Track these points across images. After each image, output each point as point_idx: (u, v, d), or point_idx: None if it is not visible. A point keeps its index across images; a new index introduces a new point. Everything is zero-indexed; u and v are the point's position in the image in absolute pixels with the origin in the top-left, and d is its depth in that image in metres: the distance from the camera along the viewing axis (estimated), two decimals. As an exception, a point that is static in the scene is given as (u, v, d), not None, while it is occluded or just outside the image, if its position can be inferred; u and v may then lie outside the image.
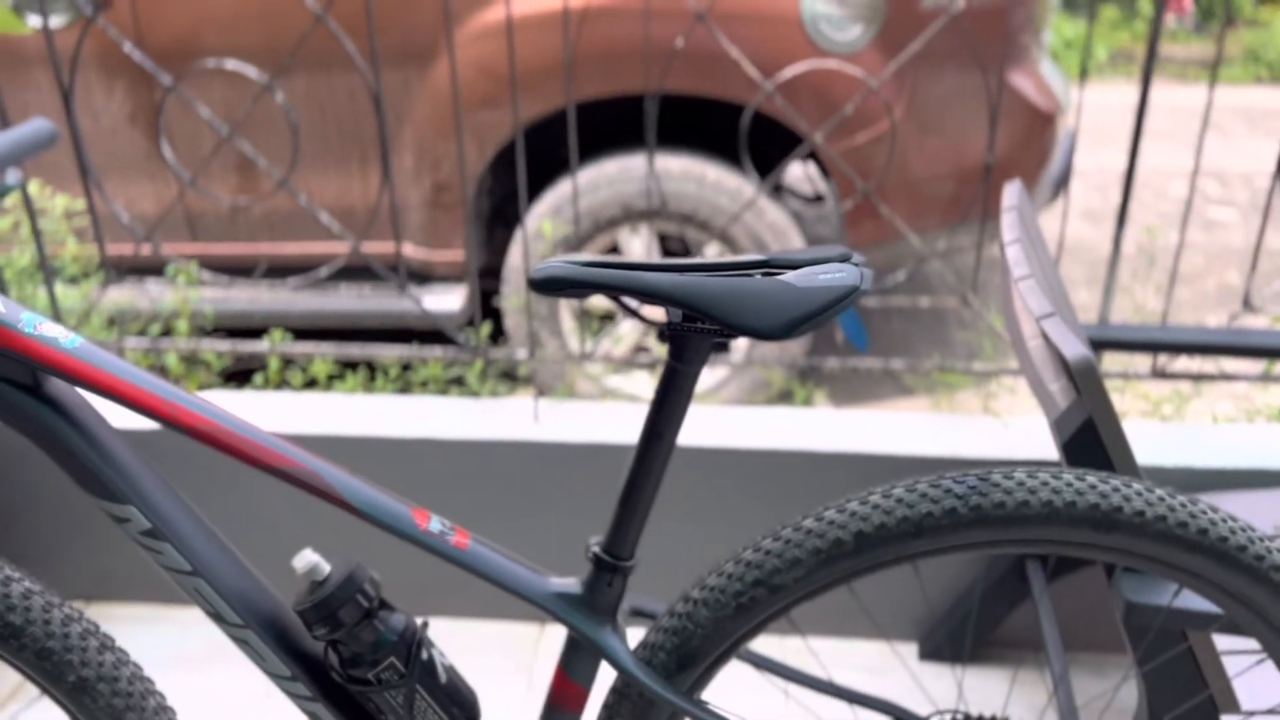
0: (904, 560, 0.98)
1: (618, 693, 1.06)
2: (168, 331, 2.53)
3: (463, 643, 1.98)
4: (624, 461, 1.87)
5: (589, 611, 1.02)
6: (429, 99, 2.82)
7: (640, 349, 3.03)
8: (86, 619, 1.04)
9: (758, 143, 2.86)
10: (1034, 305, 1.21)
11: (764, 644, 1.97)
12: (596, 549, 1.02)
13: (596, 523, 1.90)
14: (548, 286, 0.88)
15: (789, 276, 0.87)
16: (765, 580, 0.98)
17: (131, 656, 1.06)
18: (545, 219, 2.83)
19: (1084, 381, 1.10)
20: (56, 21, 2.71)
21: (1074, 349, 1.10)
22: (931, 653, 1.92)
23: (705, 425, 1.93)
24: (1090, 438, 1.13)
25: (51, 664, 1.00)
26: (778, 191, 3.23)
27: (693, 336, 0.92)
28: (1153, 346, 1.77)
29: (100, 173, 2.92)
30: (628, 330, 2.99)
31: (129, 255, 2.92)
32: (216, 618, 1.01)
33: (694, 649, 1.01)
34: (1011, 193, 1.56)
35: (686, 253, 2.96)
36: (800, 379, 2.81)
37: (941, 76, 2.79)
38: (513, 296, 2.88)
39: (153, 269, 2.85)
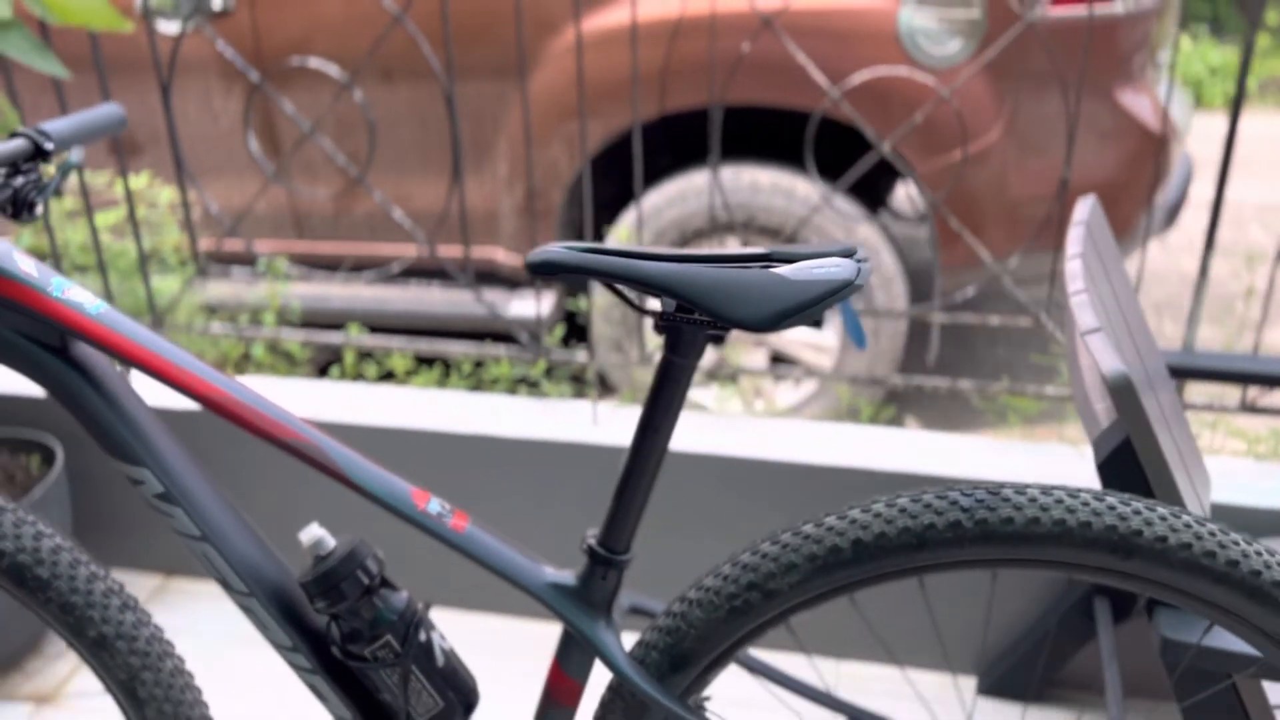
0: (907, 574, 0.94)
1: (613, 690, 1.04)
2: (256, 323, 2.63)
3: (487, 639, 1.98)
4: (680, 468, 1.86)
5: (582, 605, 1.01)
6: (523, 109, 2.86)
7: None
8: (112, 579, 1.08)
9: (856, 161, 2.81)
10: (1081, 320, 1.15)
11: (821, 668, 1.92)
12: (591, 541, 1.01)
13: (648, 528, 1.88)
14: (543, 270, 0.88)
15: (783, 269, 0.85)
16: (760, 584, 0.95)
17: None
18: (630, 229, 2.83)
19: (1120, 399, 1.03)
20: (175, 27, 2.87)
21: (1112, 364, 1.04)
22: (990, 688, 1.83)
23: (765, 438, 1.90)
24: (1127, 460, 1.07)
25: (74, 618, 1.05)
26: (876, 209, 3.16)
27: (686, 328, 0.90)
28: (1242, 378, 1.65)
29: (213, 172, 3.07)
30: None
31: (232, 250, 3.05)
32: (224, 584, 1.04)
33: (687, 651, 0.98)
34: (1083, 208, 1.49)
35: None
36: (885, 401, 2.74)
37: (1045, 95, 2.69)
38: (585, 301, 2.89)
39: (252, 263, 2.98)
